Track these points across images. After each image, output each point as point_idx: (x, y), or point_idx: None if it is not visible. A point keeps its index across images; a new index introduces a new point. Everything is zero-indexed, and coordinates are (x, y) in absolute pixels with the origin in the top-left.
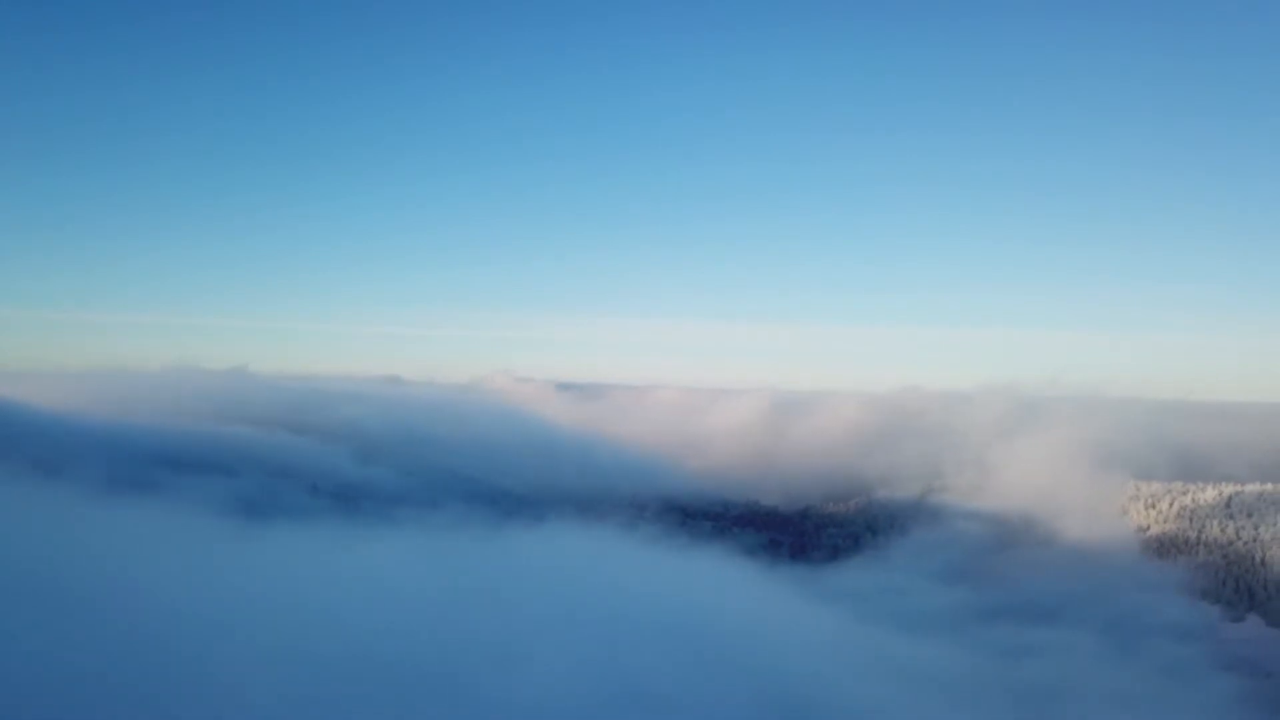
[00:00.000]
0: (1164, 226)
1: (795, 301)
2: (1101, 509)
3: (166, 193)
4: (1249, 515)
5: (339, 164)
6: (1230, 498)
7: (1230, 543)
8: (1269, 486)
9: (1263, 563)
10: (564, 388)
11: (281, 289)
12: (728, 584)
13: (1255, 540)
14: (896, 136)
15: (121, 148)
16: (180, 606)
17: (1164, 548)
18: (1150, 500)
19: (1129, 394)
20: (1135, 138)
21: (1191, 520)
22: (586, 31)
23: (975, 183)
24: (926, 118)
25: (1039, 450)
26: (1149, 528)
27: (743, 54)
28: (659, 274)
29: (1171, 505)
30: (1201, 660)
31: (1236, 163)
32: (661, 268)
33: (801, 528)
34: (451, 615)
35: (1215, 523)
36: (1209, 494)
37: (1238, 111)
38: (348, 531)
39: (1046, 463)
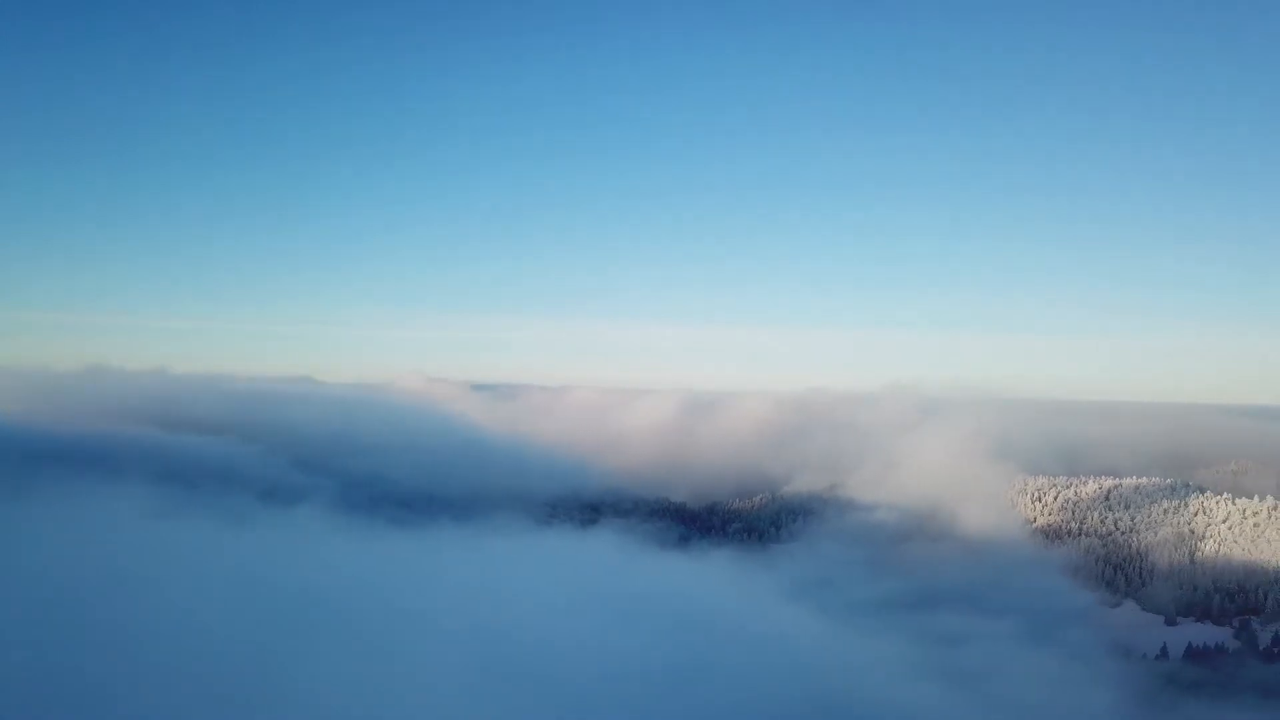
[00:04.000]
0: (1056, 235)
1: (708, 303)
2: (994, 502)
3: (83, 191)
4: (1126, 507)
5: (251, 164)
6: (1109, 491)
7: (1109, 533)
8: (1144, 480)
9: (1138, 552)
10: (479, 388)
11: (198, 289)
12: (644, 575)
13: (1132, 530)
14: (808, 141)
15: (37, 146)
16: (93, 608)
17: (1050, 538)
18: (1037, 493)
19: (1021, 394)
20: (1046, 144)
21: (1074, 512)
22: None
23: (879, 189)
24: (845, 120)
25: (938, 447)
26: (1035, 519)
27: (669, 55)
28: (573, 276)
29: (1056, 498)
30: (1091, 643)
31: (1134, 167)
32: (575, 270)
33: (709, 522)
34: (369, 616)
35: (1095, 514)
36: (1090, 487)
37: (1156, 114)
38: (261, 533)
39: (945, 459)
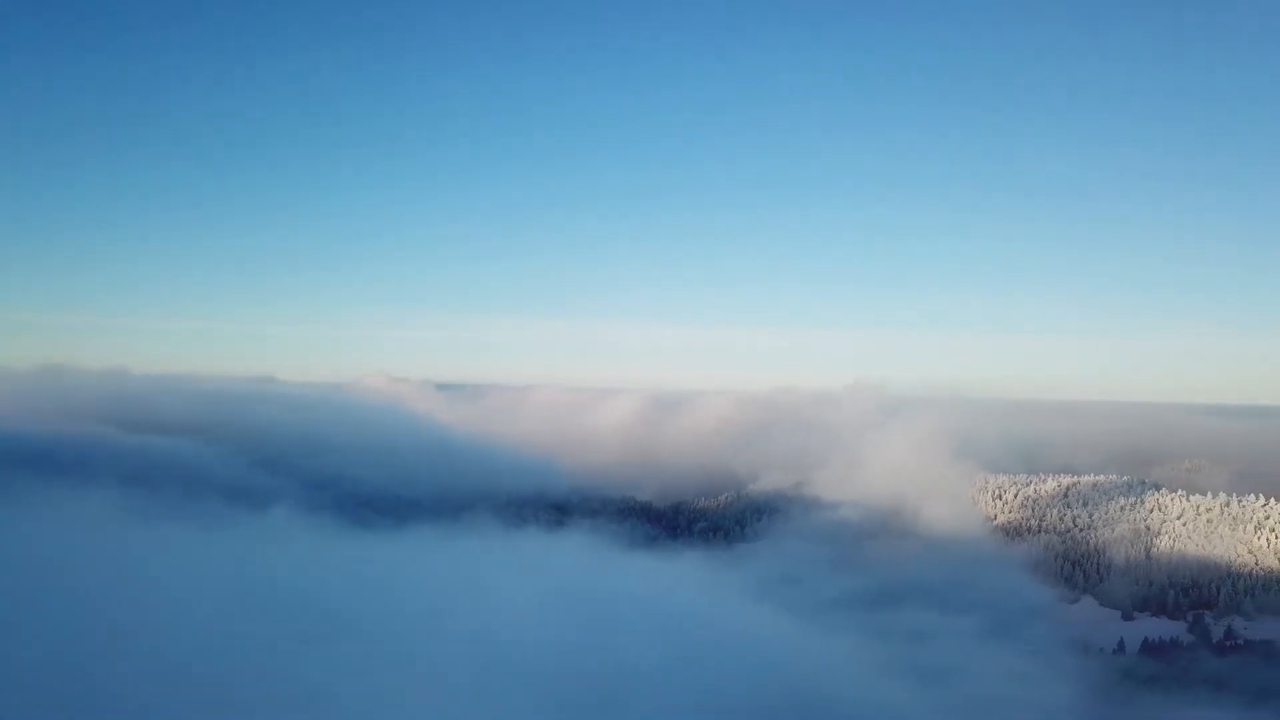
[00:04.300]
0: (1017, 237)
1: (674, 303)
2: (956, 499)
3: (39, 188)
4: (1084, 504)
5: (212, 160)
6: (1068, 488)
7: (1068, 530)
8: (1102, 478)
9: (1096, 548)
10: (443, 388)
11: (159, 288)
12: (612, 575)
13: (1090, 527)
14: (772, 142)
15: None
16: (57, 614)
17: (1010, 535)
18: (998, 491)
19: (982, 393)
20: (1018, 145)
21: (1034, 509)
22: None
23: (846, 191)
24: (813, 121)
25: (901, 446)
26: (996, 517)
27: (632, 55)
28: (538, 275)
29: (1016, 496)
30: (1050, 639)
31: (1098, 168)
32: (540, 269)
33: (675, 522)
34: (347, 619)
35: (1055, 511)
36: (1049, 485)
37: (1132, 115)
38: (223, 534)
39: (908, 457)
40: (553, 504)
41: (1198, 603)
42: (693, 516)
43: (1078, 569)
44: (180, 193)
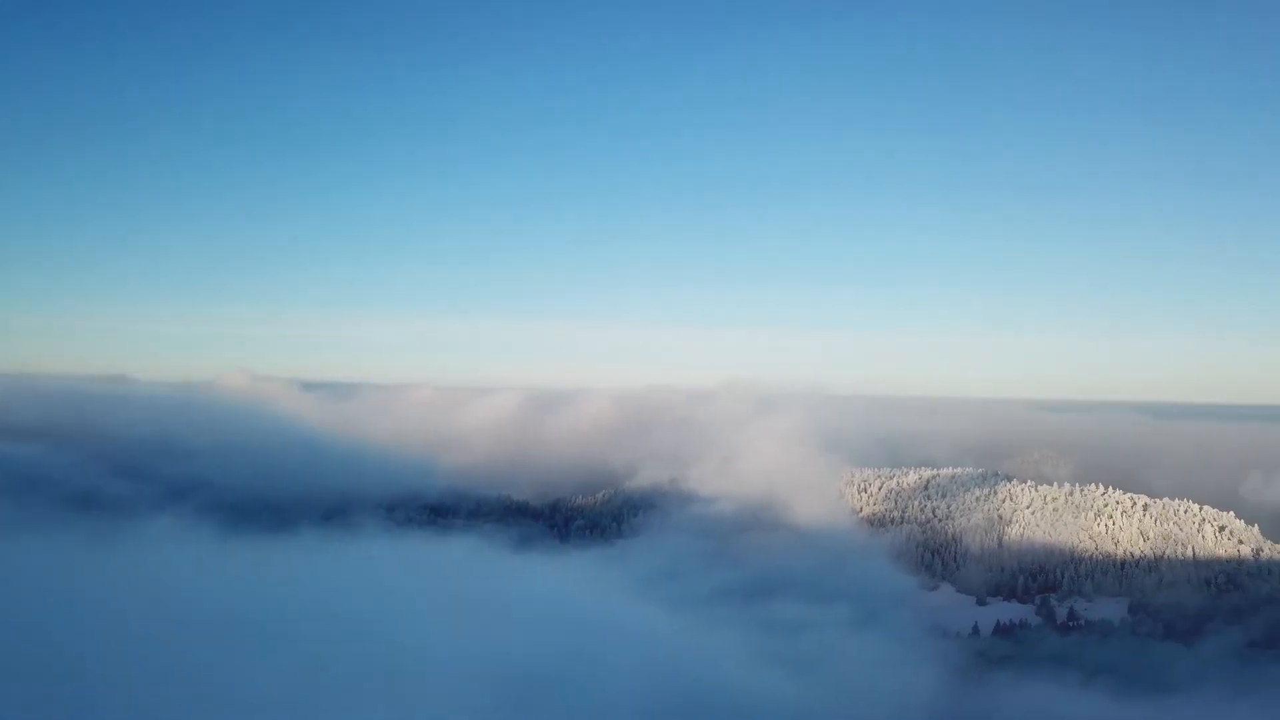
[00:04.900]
0: (877, 237)
1: (548, 301)
2: (824, 492)
3: None
4: (943, 496)
5: (44, 146)
6: (928, 481)
7: (928, 520)
8: (958, 470)
9: (954, 537)
10: (310, 387)
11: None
12: (489, 576)
13: (948, 517)
14: (638, 141)
15: None
16: None
17: (875, 525)
18: (863, 484)
19: (847, 390)
20: (891, 142)
21: (896, 501)
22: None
23: (707, 193)
24: (670, 122)
25: (771, 441)
26: (862, 509)
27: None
28: (406, 271)
29: (880, 488)
30: (912, 624)
31: (964, 170)
32: (409, 264)
33: (552, 520)
34: (225, 629)
35: (916, 503)
36: (911, 478)
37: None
38: (71, 542)
39: (778, 452)
40: (429, 505)
41: (1044, 586)
42: (570, 514)
43: (937, 557)
44: (22, 179)
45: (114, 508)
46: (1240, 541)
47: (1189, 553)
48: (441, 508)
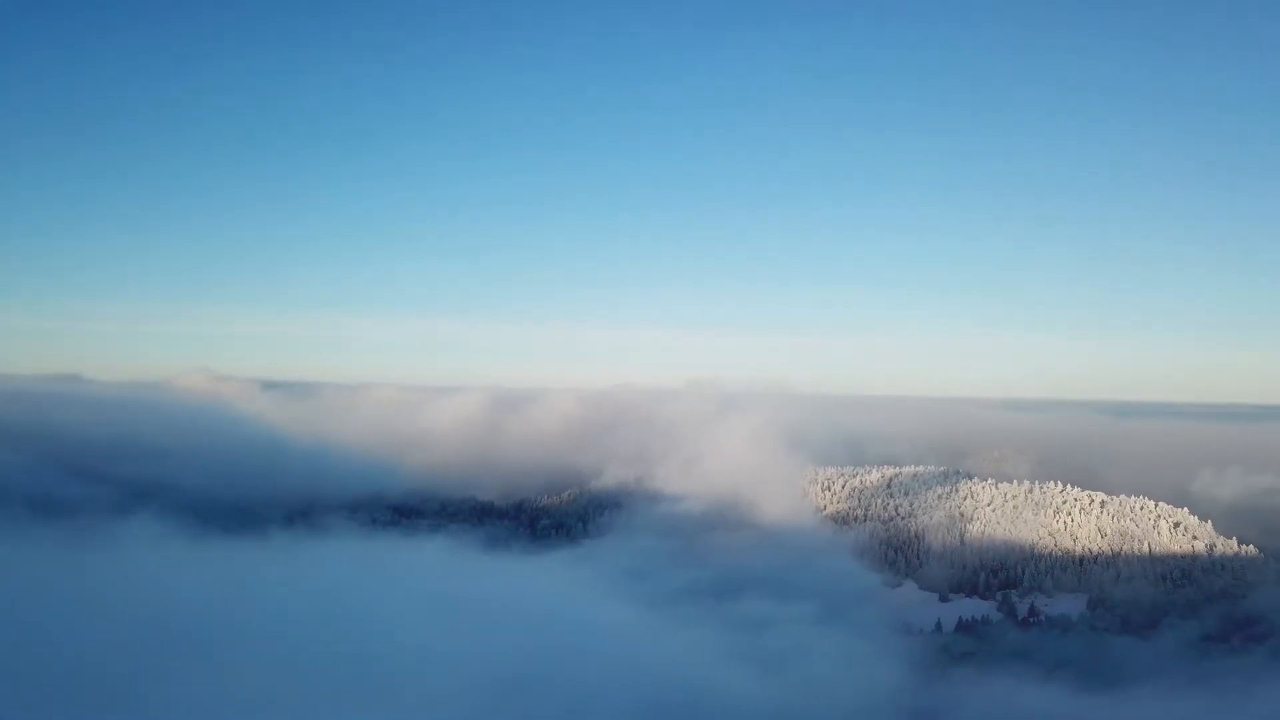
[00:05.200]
0: (826, 239)
1: (514, 300)
2: (789, 491)
3: None
4: (905, 493)
5: (15, 149)
6: (891, 479)
7: (891, 518)
8: (920, 468)
9: (916, 534)
10: (270, 387)
11: None
12: (460, 577)
13: (910, 515)
14: (597, 143)
15: None
16: None
17: (839, 523)
18: (826, 482)
19: (810, 390)
20: (864, 141)
21: (860, 499)
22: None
23: (671, 195)
24: (628, 124)
25: (736, 440)
26: (826, 507)
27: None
28: (369, 269)
29: (844, 486)
30: (876, 621)
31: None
32: (372, 263)
33: (519, 519)
34: (200, 634)
35: (879, 500)
36: (874, 476)
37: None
38: (33, 547)
39: (743, 451)
40: (393, 506)
41: (1005, 583)
42: (536, 514)
43: (900, 554)
44: None
45: (73, 511)
46: (1194, 537)
47: (1145, 549)
48: (406, 508)
